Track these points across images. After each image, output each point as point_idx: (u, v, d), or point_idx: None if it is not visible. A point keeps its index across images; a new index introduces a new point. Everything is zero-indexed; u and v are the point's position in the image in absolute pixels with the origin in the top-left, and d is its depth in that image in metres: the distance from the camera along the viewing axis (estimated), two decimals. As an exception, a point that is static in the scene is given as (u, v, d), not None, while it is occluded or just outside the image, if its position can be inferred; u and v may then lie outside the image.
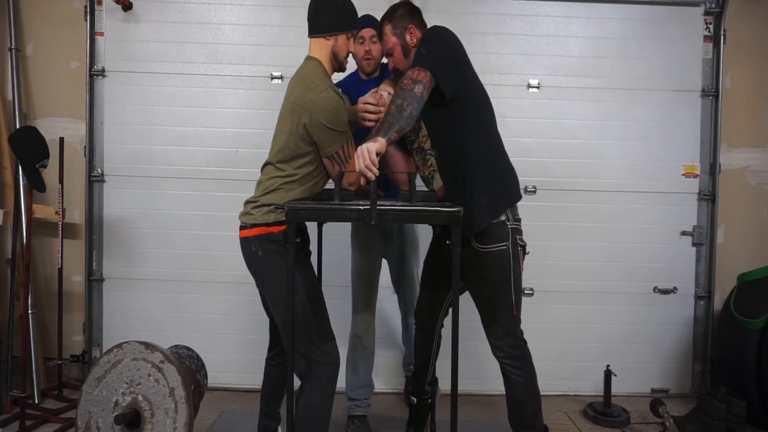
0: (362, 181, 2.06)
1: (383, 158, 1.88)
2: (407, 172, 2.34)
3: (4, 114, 3.32)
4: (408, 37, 2.24)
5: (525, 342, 2.26)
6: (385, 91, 2.29)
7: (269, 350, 2.43)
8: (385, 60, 2.56)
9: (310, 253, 2.27)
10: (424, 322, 2.48)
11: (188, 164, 3.39)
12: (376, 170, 1.78)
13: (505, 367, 2.23)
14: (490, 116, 2.24)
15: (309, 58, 2.15)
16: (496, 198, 2.16)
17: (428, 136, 2.33)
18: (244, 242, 2.13)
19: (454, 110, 2.12)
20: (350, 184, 2.10)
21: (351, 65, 2.40)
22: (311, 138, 2.03)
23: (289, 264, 1.96)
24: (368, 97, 2.25)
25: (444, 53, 2.10)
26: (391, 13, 2.27)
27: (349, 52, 2.20)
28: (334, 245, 3.30)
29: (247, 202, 2.16)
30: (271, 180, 2.10)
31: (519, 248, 2.19)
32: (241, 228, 2.14)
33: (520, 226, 2.22)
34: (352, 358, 2.81)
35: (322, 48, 2.13)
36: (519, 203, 2.24)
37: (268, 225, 2.07)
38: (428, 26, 2.28)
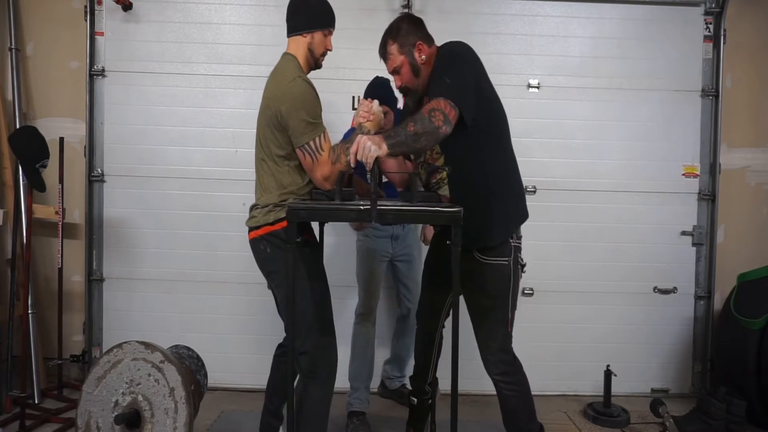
0: (342, 164, 2.06)
1: (377, 159, 1.88)
2: (406, 171, 2.33)
3: (4, 114, 3.32)
4: (417, 54, 2.15)
5: (515, 357, 2.27)
6: (377, 101, 2.25)
7: (280, 346, 2.45)
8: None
9: (318, 246, 2.29)
10: (425, 322, 2.48)
11: (188, 164, 3.39)
12: (352, 165, 1.90)
13: (499, 384, 2.24)
14: (507, 133, 2.22)
15: (284, 54, 2.18)
16: (508, 218, 2.18)
17: (442, 154, 2.27)
18: (254, 243, 2.17)
19: (472, 132, 2.06)
20: (325, 179, 2.08)
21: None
22: (286, 128, 2.06)
23: (289, 263, 1.96)
24: (364, 105, 2.22)
25: (469, 81, 2.03)
26: (396, 31, 2.16)
27: (326, 49, 2.22)
28: (335, 245, 3.31)
29: (251, 208, 2.22)
30: (265, 180, 2.15)
31: (519, 266, 2.21)
32: (249, 232, 2.19)
33: (521, 244, 2.23)
34: (353, 345, 2.92)
35: (298, 46, 2.16)
36: (518, 242, 2.25)
37: (270, 224, 2.10)
38: (426, 27, 2.23)
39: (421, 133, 1.89)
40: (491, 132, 2.15)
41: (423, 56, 2.16)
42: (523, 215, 2.25)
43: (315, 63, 2.21)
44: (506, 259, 2.16)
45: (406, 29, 2.17)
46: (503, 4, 3.41)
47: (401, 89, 2.25)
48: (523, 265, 2.24)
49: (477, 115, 2.04)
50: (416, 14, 3.32)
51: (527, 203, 2.30)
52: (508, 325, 2.20)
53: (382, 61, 2.25)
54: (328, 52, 2.24)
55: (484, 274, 2.16)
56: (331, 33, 2.22)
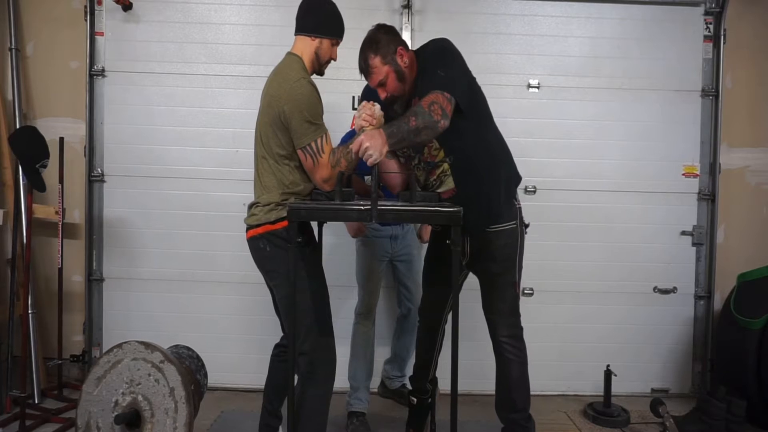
0: (341, 167, 2.06)
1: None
2: (404, 172, 2.33)
3: (4, 114, 3.32)
4: (399, 60, 2.17)
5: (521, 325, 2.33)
6: (378, 105, 2.26)
7: (277, 346, 2.45)
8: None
9: (318, 247, 2.29)
10: (428, 320, 2.49)
11: (188, 164, 3.39)
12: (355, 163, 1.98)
13: (504, 347, 2.27)
14: (488, 108, 2.29)
15: (289, 53, 2.19)
16: (510, 182, 2.27)
17: (442, 147, 2.28)
18: (252, 242, 2.16)
19: (467, 113, 2.12)
20: (325, 181, 2.07)
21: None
22: (288, 128, 2.06)
23: (290, 262, 1.97)
24: (366, 108, 2.22)
25: (459, 73, 2.12)
26: (375, 44, 2.15)
27: (331, 58, 2.23)
28: (334, 245, 3.31)
29: (250, 206, 2.21)
30: (266, 178, 2.14)
31: (524, 227, 2.29)
32: (248, 230, 2.18)
33: (521, 205, 2.31)
34: (353, 345, 2.94)
35: (306, 46, 2.17)
36: (519, 203, 2.32)
37: (271, 223, 2.10)
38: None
39: (422, 127, 1.94)
40: (481, 112, 2.23)
41: (405, 60, 2.17)
42: (519, 177, 2.35)
43: (319, 69, 2.22)
44: (513, 222, 2.25)
45: (384, 39, 2.16)
46: (503, 4, 3.40)
47: (387, 100, 2.23)
48: (527, 225, 2.31)
49: (468, 102, 2.11)
50: (416, 14, 3.34)
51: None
52: (516, 286, 2.27)
53: (362, 76, 2.24)
54: (332, 61, 2.25)
55: (494, 241, 2.23)
56: (338, 44, 2.24)
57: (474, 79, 2.24)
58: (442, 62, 2.09)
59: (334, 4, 2.22)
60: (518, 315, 2.31)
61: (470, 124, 2.16)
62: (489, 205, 2.19)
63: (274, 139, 2.09)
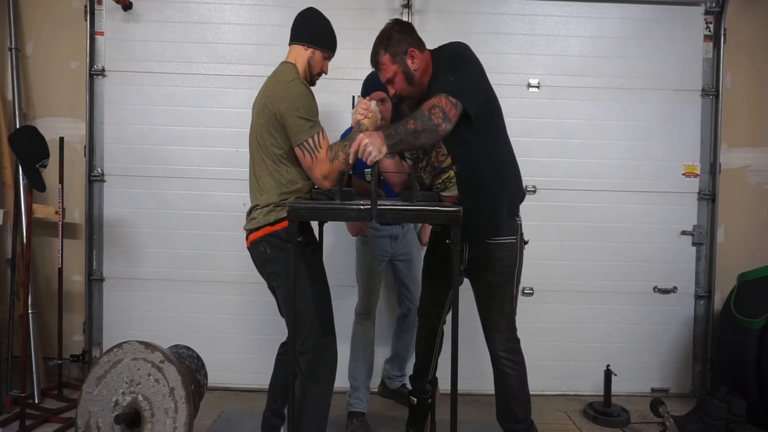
0: (342, 162, 2.06)
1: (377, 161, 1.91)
2: (403, 172, 2.33)
3: (4, 114, 3.32)
4: (409, 62, 2.13)
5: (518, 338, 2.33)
6: (374, 101, 2.26)
7: (282, 345, 2.47)
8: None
9: (318, 247, 2.30)
10: (427, 320, 2.49)
11: (188, 164, 3.39)
12: (351, 161, 1.97)
13: (502, 361, 2.26)
14: (503, 121, 2.26)
15: (282, 62, 2.23)
16: (514, 199, 2.25)
17: (449, 154, 2.27)
18: (253, 246, 2.17)
19: (477, 125, 2.09)
20: (324, 177, 2.07)
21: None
22: (284, 127, 2.08)
23: (290, 262, 1.97)
24: (362, 102, 2.23)
25: (471, 80, 2.07)
26: (386, 41, 2.13)
27: (322, 71, 2.28)
28: (334, 245, 3.31)
29: (249, 212, 2.22)
30: (264, 180, 2.15)
31: (523, 243, 2.28)
32: (248, 235, 2.18)
33: (521, 221, 2.30)
34: (353, 344, 2.94)
35: (300, 55, 2.22)
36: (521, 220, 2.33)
37: (271, 225, 2.11)
38: (417, 31, 2.22)
39: (421, 130, 1.92)
40: (495, 126, 2.19)
41: (416, 62, 2.14)
42: (523, 195, 2.34)
43: (311, 79, 2.25)
44: (514, 237, 2.24)
45: (397, 38, 2.13)
46: (503, 4, 3.41)
47: (396, 98, 2.24)
48: (526, 242, 2.31)
49: (481, 110, 2.07)
50: (416, 14, 3.33)
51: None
52: (513, 300, 2.27)
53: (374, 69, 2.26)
54: (323, 75, 2.30)
55: (494, 253, 2.22)
56: (329, 58, 2.29)
57: (491, 89, 2.17)
58: (454, 67, 2.05)
59: (329, 21, 2.27)
60: (515, 329, 2.30)
61: (480, 136, 2.11)
62: (490, 217, 2.17)
63: (271, 140, 2.10)
